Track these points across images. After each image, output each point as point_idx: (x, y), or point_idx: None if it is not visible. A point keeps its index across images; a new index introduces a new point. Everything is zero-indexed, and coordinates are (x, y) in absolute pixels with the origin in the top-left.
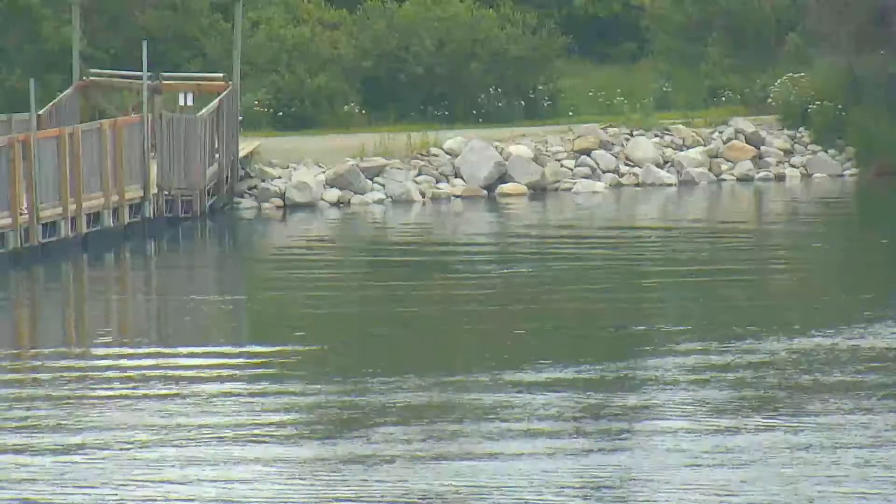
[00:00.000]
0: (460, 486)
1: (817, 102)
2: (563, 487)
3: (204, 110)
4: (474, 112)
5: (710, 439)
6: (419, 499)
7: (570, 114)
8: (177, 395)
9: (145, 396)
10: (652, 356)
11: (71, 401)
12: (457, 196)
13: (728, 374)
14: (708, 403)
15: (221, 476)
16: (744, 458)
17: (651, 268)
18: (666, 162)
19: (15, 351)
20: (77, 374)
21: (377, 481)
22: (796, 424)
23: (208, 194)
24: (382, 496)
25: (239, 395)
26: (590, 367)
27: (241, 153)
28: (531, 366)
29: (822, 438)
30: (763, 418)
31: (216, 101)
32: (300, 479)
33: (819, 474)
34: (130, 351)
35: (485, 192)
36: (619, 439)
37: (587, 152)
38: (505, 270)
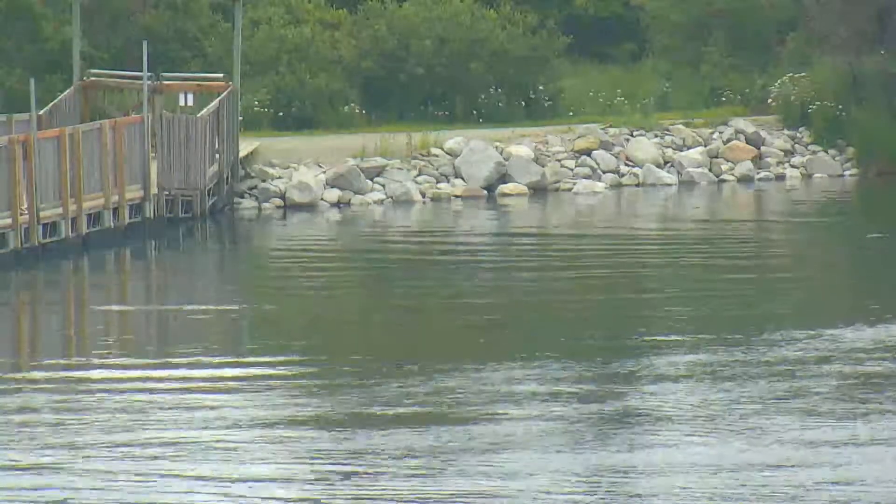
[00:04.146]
0: (464, 485)
1: (817, 102)
2: (568, 485)
3: (204, 110)
4: (474, 112)
5: (715, 439)
6: (422, 498)
7: (571, 114)
8: (178, 400)
9: (148, 399)
10: (654, 356)
11: (69, 406)
12: (457, 196)
13: (730, 373)
14: (711, 403)
15: (226, 481)
16: (749, 457)
17: (652, 268)
18: (666, 162)
19: (14, 354)
20: (76, 378)
21: (381, 482)
22: (808, 424)
23: (209, 194)
24: (387, 496)
25: (242, 395)
26: (590, 367)
27: (242, 153)
28: (534, 365)
29: (830, 437)
30: (769, 417)
31: (216, 101)
32: (304, 482)
33: (827, 474)
34: (131, 353)
35: (485, 192)
36: (624, 439)
37: (587, 152)
38: (506, 273)
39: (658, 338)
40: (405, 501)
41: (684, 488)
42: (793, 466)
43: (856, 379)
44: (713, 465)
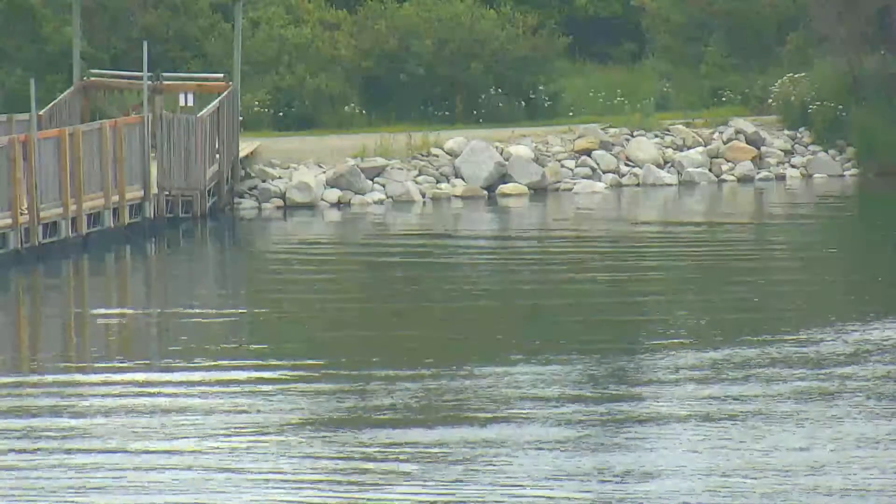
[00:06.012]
0: (465, 486)
1: (817, 102)
2: (569, 484)
3: (204, 110)
4: (474, 112)
5: (717, 439)
6: (424, 497)
7: (571, 114)
8: (178, 402)
9: (147, 402)
10: (658, 358)
11: (68, 409)
12: (457, 196)
13: (730, 373)
14: (711, 403)
15: (227, 483)
16: (753, 458)
17: (653, 269)
18: (666, 162)
19: (13, 355)
20: (75, 380)
21: (381, 485)
22: (811, 424)
23: (209, 194)
24: (387, 500)
25: (242, 397)
26: (593, 369)
27: (242, 153)
28: (536, 366)
29: (833, 437)
30: (771, 417)
31: (216, 101)
32: (305, 485)
33: (829, 477)
34: (130, 355)
35: (485, 192)
36: (633, 441)
37: (587, 152)
38: (506, 274)
39: (662, 340)
40: (405, 500)
41: (702, 490)
42: (826, 465)
43: (879, 377)
44: (734, 466)
